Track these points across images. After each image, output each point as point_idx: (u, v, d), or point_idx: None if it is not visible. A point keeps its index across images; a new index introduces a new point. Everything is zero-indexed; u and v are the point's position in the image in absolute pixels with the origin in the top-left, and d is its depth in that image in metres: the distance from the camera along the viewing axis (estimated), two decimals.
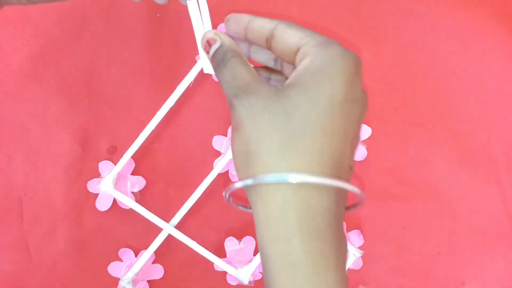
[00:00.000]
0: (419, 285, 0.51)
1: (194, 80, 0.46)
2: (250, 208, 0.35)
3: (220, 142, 0.49)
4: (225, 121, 0.50)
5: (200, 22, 0.39)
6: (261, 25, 0.34)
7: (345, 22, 0.51)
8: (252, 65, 0.34)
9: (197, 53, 0.49)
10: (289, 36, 0.33)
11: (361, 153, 0.51)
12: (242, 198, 0.43)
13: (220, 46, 0.34)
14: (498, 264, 0.51)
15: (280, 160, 0.30)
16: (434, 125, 0.51)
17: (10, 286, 0.49)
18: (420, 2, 0.51)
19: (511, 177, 0.51)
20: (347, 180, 0.31)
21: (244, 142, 0.31)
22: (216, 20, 0.49)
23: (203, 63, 0.38)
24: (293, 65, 0.34)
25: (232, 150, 0.32)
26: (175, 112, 0.50)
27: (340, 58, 0.31)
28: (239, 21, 0.35)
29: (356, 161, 0.51)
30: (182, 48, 0.50)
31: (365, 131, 0.51)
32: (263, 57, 0.37)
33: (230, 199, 0.36)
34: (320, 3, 0.51)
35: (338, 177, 0.30)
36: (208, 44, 0.35)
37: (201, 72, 0.47)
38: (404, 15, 0.51)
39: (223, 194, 0.33)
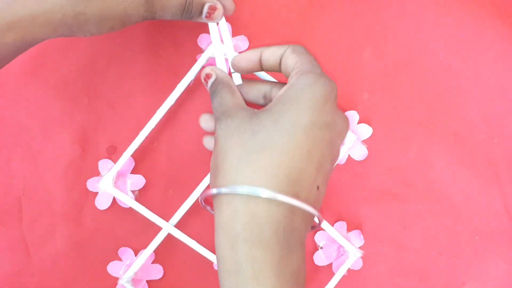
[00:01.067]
0: (419, 285, 0.51)
1: (194, 79, 0.46)
2: None
3: None
4: None
5: (219, 41, 0.45)
6: (273, 53, 0.39)
7: (345, 22, 0.51)
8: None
9: (197, 52, 0.49)
10: (289, 61, 0.38)
11: (361, 153, 0.50)
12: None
13: (215, 79, 0.40)
14: (499, 264, 0.51)
15: (235, 174, 0.33)
16: (435, 125, 0.51)
17: (9, 286, 0.49)
18: (420, 2, 0.51)
19: None
20: (307, 198, 0.34)
21: (215, 157, 0.35)
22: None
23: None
24: None
25: (211, 164, 0.37)
26: (175, 111, 0.50)
27: (309, 88, 0.35)
28: (251, 58, 0.40)
29: (357, 161, 0.51)
30: (182, 47, 0.50)
31: (366, 131, 0.51)
32: (253, 97, 0.42)
33: (207, 206, 0.41)
34: (321, 2, 0.51)
35: (295, 194, 0.33)
36: (207, 77, 0.41)
37: (201, 71, 0.47)
38: (404, 15, 0.51)
39: (199, 200, 0.36)
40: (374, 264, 0.51)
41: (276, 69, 0.40)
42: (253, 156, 0.33)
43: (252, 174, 0.33)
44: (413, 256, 0.51)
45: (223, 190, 0.33)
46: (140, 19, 0.40)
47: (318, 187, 0.35)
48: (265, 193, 0.32)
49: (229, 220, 0.33)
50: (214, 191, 0.34)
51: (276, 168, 0.33)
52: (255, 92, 0.42)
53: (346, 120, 0.37)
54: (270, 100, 0.41)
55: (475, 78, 0.51)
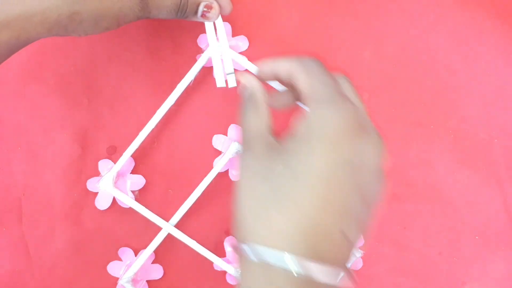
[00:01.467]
0: (419, 285, 0.51)
1: (194, 79, 0.46)
2: None
3: (220, 142, 0.49)
4: (225, 120, 0.50)
5: (215, 41, 0.44)
6: (282, 68, 0.35)
7: (345, 22, 0.51)
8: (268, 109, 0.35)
9: (197, 52, 0.49)
10: (300, 83, 0.34)
11: None
12: None
13: (246, 93, 0.36)
14: (499, 264, 0.51)
15: (251, 232, 0.30)
16: (435, 125, 0.51)
17: (9, 286, 0.49)
18: (420, 2, 0.51)
19: None
20: (329, 251, 0.30)
21: (234, 196, 0.32)
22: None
23: (217, 78, 0.43)
24: None
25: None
26: (175, 111, 0.50)
27: (323, 122, 0.31)
28: (266, 72, 0.37)
29: None
30: (182, 48, 0.50)
31: None
32: (282, 103, 0.38)
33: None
34: (320, 2, 0.51)
35: (313, 248, 0.29)
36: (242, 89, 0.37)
37: (201, 71, 0.47)
38: (405, 15, 0.51)
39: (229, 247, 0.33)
40: (374, 264, 0.51)
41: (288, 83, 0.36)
42: (265, 210, 0.30)
43: (268, 235, 0.30)
44: (413, 256, 0.51)
45: (242, 247, 0.31)
46: (134, 19, 0.40)
47: (343, 233, 0.30)
48: (290, 264, 0.29)
49: (248, 279, 0.31)
50: (237, 245, 0.31)
51: (292, 227, 0.29)
52: (285, 99, 0.38)
53: (375, 142, 0.32)
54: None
55: (475, 78, 0.51)
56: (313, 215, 0.29)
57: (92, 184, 0.49)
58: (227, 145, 0.49)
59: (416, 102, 0.51)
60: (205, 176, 0.47)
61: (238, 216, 0.31)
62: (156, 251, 0.48)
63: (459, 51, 0.51)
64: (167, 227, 0.47)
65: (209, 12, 0.43)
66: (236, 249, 0.32)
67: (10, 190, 0.49)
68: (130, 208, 0.47)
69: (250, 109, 0.35)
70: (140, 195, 0.49)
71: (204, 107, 0.50)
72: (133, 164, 0.49)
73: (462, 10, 0.51)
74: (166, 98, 0.46)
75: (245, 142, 0.34)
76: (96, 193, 0.49)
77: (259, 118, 0.34)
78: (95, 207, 0.49)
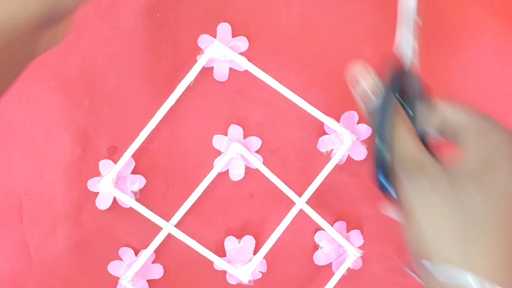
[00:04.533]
0: (418, 285, 0.51)
1: (194, 79, 0.47)
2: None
3: (220, 142, 0.50)
4: (225, 120, 0.50)
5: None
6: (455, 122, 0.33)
7: (345, 21, 0.51)
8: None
9: (197, 52, 0.49)
10: (453, 115, 0.33)
11: (361, 153, 0.51)
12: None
13: (382, 100, 0.34)
14: None
15: (459, 256, 0.29)
16: None
17: (10, 286, 0.49)
18: (419, 2, 0.51)
19: None
20: None
21: (417, 229, 0.31)
22: (215, 21, 0.49)
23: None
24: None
25: (406, 234, 0.33)
26: (175, 111, 0.50)
27: (505, 147, 0.31)
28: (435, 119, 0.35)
29: (357, 161, 0.51)
30: (182, 48, 0.50)
31: (366, 131, 0.51)
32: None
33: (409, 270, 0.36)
34: (320, 2, 0.51)
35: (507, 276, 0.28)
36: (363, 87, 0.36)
37: (202, 71, 0.47)
38: None
39: (402, 265, 0.34)
40: (373, 264, 0.51)
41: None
42: (473, 235, 0.29)
43: (479, 257, 0.29)
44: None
45: (427, 265, 0.30)
46: None
47: None
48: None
49: None
50: (441, 267, 0.30)
51: (500, 250, 0.29)
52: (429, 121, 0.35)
53: None
54: (443, 134, 0.34)
55: (474, 78, 0.51)
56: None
57: (92, 184, 0.49)
58: (227, 145, 0.49)
59: None
60: (205, 176, 0.47)
61: (420, 237, 0.31)
62: (156, 251, 0.48)
63: (458, 51, 0.51)
64: (168, 227, 0.47)
65: None
66: (415, 266, 0.32)
67: (10, 190, 0.49)
68: (131, 208, 0.47)
69: (400, 125, 0.33)
70: (140, 195, 0.50)
71: (204, 107, 0.50)
72: (133, 164, 0.50)
73: (462, 10, 0.51)
74: (167, 98, 0.46)
75: (408, 162, 0.32)
76: (96, 193, 0.49)
77: (414, 136, 0.33)
78: (96, 207, 0.49)
